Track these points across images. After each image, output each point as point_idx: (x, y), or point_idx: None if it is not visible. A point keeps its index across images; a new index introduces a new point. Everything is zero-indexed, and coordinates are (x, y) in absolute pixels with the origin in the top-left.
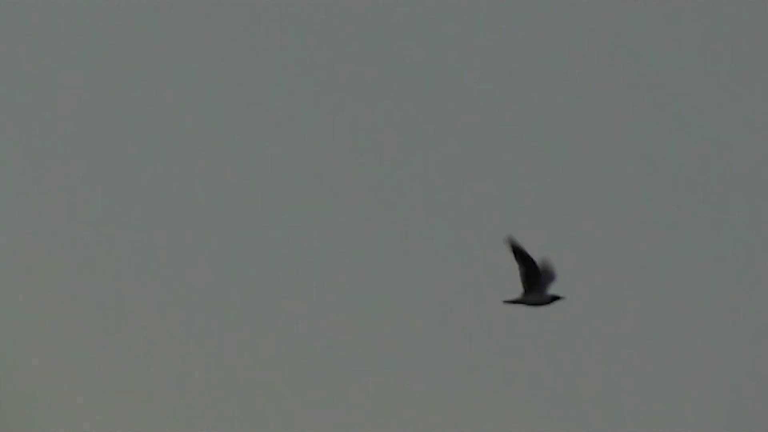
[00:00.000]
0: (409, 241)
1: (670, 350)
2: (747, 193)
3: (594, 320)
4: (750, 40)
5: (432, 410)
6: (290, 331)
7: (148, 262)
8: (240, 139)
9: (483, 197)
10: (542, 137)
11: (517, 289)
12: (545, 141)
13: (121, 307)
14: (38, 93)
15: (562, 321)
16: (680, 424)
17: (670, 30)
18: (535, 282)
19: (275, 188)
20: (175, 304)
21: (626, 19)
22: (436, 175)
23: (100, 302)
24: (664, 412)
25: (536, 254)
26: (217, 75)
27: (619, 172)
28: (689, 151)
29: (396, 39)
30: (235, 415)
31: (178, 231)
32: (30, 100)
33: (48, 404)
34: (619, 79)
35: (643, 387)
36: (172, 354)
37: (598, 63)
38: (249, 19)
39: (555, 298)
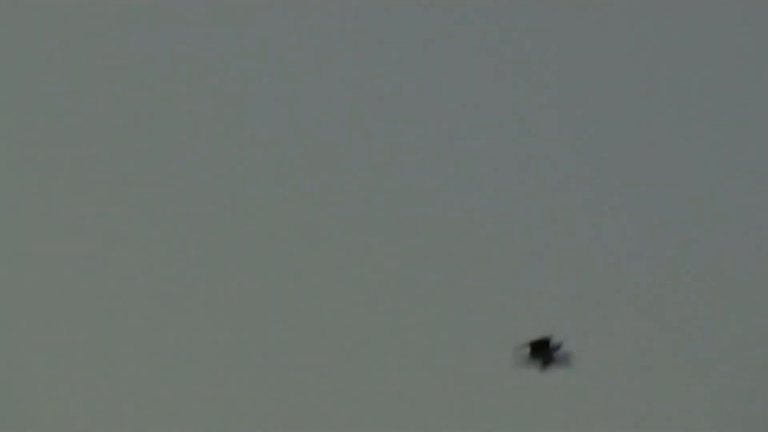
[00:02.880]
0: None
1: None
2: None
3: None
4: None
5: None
6: (291, 335)
7: (147, 262)
8: (238, 141)
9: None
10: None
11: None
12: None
13: (120, 308)
14: (37, 94)
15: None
16: None
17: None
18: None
19: (276, 197)
20: (174, 304)
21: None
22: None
23: (98, 302)
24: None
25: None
26: (217, 77)
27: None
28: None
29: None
30: (235, 415)
31: (176, 230)
32: (29, 101)
33: (47, 404)
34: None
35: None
36: (171, 354)
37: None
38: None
39: (558, 347)
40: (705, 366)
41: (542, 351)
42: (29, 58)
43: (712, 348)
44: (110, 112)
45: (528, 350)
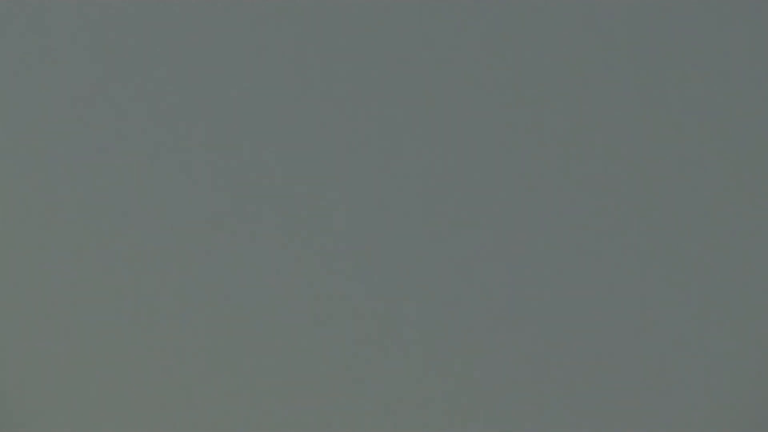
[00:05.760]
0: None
1: None
2: None
3: None
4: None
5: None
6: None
7: (146, 262)
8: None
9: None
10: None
11: None
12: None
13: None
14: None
15: None
16: None
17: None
18: None
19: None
20: (173, 304)
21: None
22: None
23: (99, 302)
24: None
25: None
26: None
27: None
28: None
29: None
30: (233, 415)
31: (175, 232)
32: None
33: (46, 404)
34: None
35: None
36: (171, 354)
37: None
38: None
39: None
40: (704, 367)
41: None
42: (28, 61)
43: (711, 350)
44: (110, 114)
45: None
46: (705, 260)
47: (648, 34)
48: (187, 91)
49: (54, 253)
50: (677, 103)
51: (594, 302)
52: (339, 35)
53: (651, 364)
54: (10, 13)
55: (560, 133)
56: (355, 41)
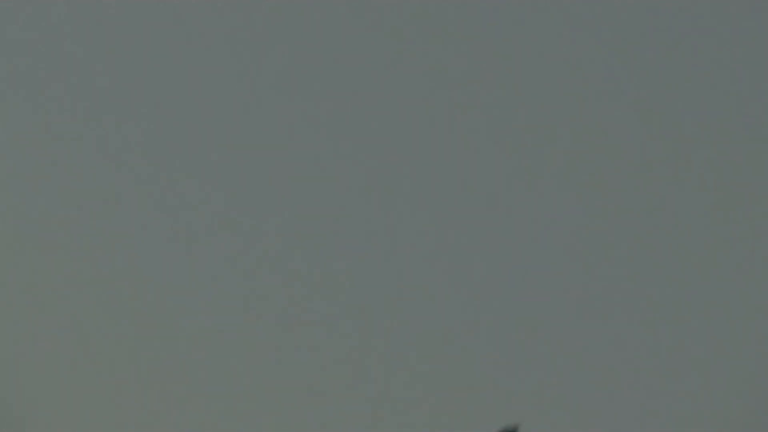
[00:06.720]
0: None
1: None
2: None
3: None
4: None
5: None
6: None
7: (145, 262)
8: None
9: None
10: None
11: None
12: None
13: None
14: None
15: None
16: None
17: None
18: None
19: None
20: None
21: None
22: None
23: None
24: None
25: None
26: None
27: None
28: None
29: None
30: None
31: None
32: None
33: (46, 404)
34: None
35: None
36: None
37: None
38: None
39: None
40: (704, 366)
41: None
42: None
43: (711, 348)
44: (110, 114)
45: None
46: (705, 260)
47: (648, 34)
48: (188, 91)
49: (54, 254)
50: (677, 103)
51: (593, 302)
52: (339, 35)
53: (651, 363)
54: (10, 13)
55: (559, 134)
56: (355, 41)
